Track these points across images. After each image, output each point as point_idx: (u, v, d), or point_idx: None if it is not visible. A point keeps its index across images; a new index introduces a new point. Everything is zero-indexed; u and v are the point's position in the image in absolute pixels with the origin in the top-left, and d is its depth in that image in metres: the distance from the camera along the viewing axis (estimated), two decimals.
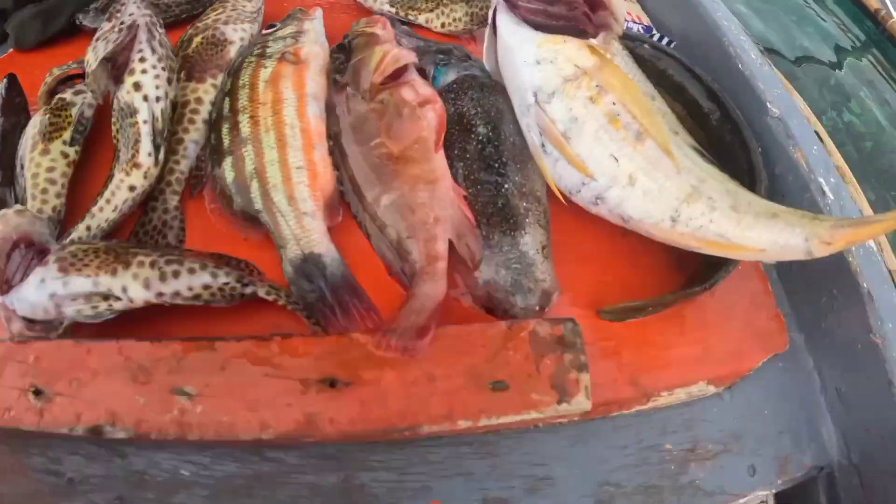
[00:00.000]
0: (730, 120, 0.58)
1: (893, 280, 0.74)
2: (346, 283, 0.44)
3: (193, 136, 0.54)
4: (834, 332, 0.52)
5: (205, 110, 0.55)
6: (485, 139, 0.50)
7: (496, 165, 0.48)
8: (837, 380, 0.52)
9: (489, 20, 0.53)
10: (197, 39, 0.60)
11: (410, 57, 0.52)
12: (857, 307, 0.49)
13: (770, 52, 1.86)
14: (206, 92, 0.56)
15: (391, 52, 0.51)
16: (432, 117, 0.49)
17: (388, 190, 0.47)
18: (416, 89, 0.51)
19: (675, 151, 0.46)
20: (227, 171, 0.50)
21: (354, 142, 0.50)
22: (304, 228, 0.46)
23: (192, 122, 0.54)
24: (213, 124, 0.53)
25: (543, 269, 0.45)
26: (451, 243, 0.45)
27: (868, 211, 0.81)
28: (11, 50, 0.66)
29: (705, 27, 0.68)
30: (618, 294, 0.48)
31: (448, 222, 0.46)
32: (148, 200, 0.51)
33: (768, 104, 0.59)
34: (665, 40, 0.74)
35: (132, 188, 0.49)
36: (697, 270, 0.50)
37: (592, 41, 0.50)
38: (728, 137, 0.57)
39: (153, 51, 0.52)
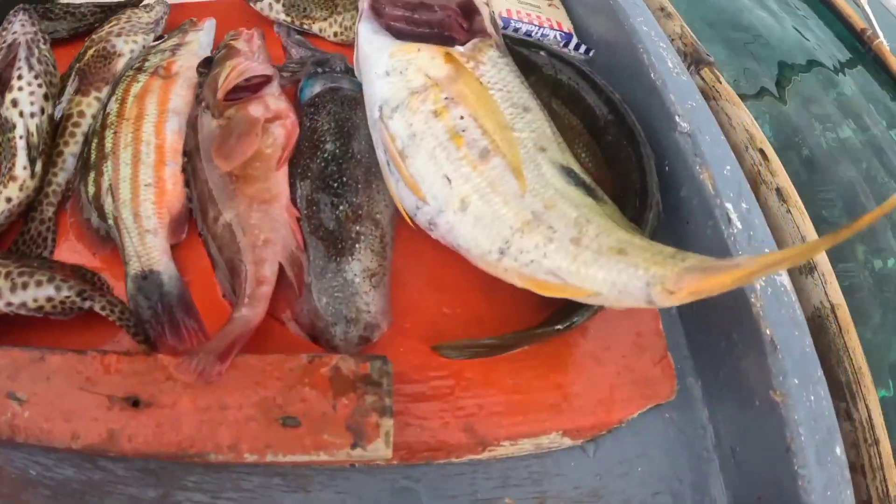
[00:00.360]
0: (628, 134, 0.52)
1: (835, 315, 0.67)
2: (180, 302, 0.44)
3: (73, 149, 0.54)
4: (732, 382, 0.46)
5: (86, 124, 0.55)
6: (329, 157, 0.48)
7: (335, 185, 0.46)
8: (733, 437, 0.45)
9: (356, 27, 0.50)
10: (90, 52, 0.60)
11: (258, 70, 0.50)
12: (757, 357, 0.42)
13: (752, 70, 1.83)
14: (88, 105, 0.56)
15: (238, 66, 0.47)
16: (279, 134, 0.47)
17: (225, 209, 0.46)
18: (267, 104, 0.48)
19: (529, 171, 0.41)
20: (89, 185, 0.50)
21: (203, 159, 0.49)
22: (146, 246, 0.46)
23: (72, 135, 0.54)
24: (87, 138, 0.54)
25: (369, 299, 0.43)
26: (282, 266, 0.44)
27: (811, 234, 0.75)
28: None
29: (623, 34, 0.64)
30: (469, 328, 0.45)
31: (279, 245, 0.44)
32: (27, 211, 0.52)
33: (677, 118, 0.53)
34: (582, 48, 0.70)
35: (9, 200, 0.50)
36: (565, 306, 0.44)
37: (456, 49, 0.45)
38: (623, 154, 0.51)
39: (30, 68, 0.52)
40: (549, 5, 0.76)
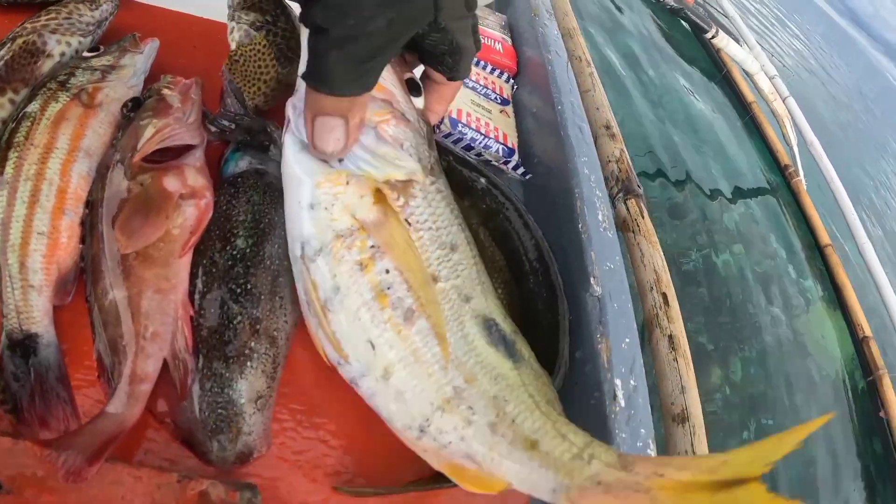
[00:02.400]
0: (548, 288, 0.53)
1: None
2: (55, 374, 0.41)
3: None
4: None
5: None
6: (238, 255, 0.45)
7: (238, 290, 0.44)
8: None
9: (284, 133, 0.44)
10: (18, 41, 0.54)
11: (184, 139, 0.45)
12: None
13: (682, 182, 1.94)
14: (1, 107, 0.51)
15: (164, 129, 0.44)
16: (191, 215, 0.44)
17: (116, 286, 0.43)
18: (185, 178, 0.44)
19: (453, 333, 0.40)
20: None
21: (105, 219, 0.46)
22: (28, 303, 0.42)
23: None
24: None
25: (252, 422, 0.41)
26: (166, 362, 0.42)
27: (692, 386, 0.80)
28: None
29: (564, 169, 0.65)
30: (347, 460, 0.44)
31: (166, 341, 0.42)
32: None
33: (592, 280, 0.55)
34: (521, 170, 0.71)
35: None
36: None
37: (391, 178, 0.42)
38: (541, 305, 0.52)
39: None
40: (501, 112, 0.77)
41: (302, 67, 0.41)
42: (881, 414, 1.69)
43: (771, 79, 1.79)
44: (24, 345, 0.41)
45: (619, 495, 0.34)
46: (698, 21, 1.71)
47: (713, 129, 2.28)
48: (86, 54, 0.56)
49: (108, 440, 0.37)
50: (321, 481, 0.43)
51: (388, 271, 0.40)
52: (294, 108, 0.42)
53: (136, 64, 0.55)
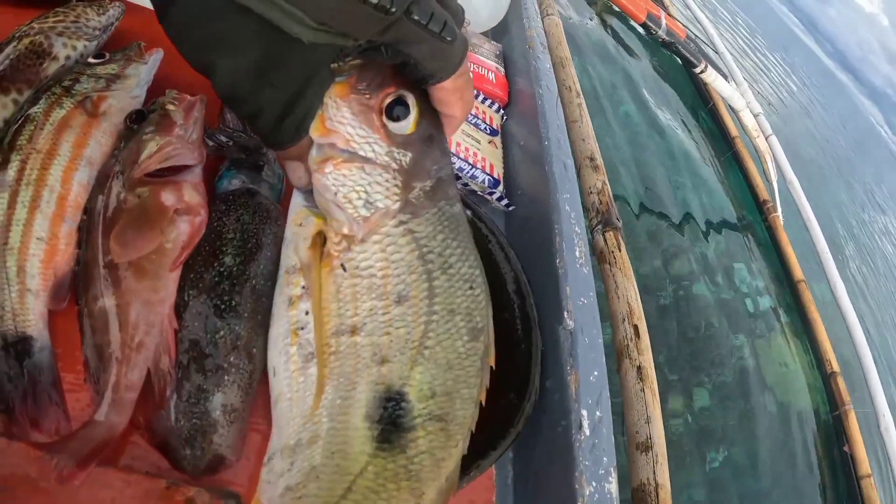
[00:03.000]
0: (524, 318, 0.56)
1: (657, 494, 0.74)
2: (48, 376, 0.42)
3: None
4: None
5: None
6: (226, 273, 0.47)
7: (222, 307, 0.46)
8: None
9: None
10: (24, 41, 0.55)
11: (187, 159, 0.46)
12: None
13: (660, 212, 1.98)
14: (4, 106, 0.51)
15: (167, 148, 0.45)
16: (184, 231, 0.45)
17: (107, 294, 0.45)
18: (182, 194, 0.46)
19: (336, 392, 0.38)
20: None
21: (100, 227, 0.47)
22: (24, 306, 0.44)
23: None
24: None
25: (224, 433, 0.43)
26: (148, 372, 0.43)
27: (657, 416, 0.83)
28: None
29: (545, 203, 0.67)
30: None
31: (151, 351, 0.43)
32: None
33: (566, 314, 0.58)
34: (504, 202, 0.73)
35: None
36: None
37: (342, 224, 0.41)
38: (514, 337, 0.55)
39: None
40: (490, 143, 0.79)
41: None
42: (845, 448, 1.73)
43: (756, 116, 1.84)
44: (19, 347, 0.42)
45: None
46: (688, 56, 1.75)
47: (694, 161, 2.33)
48: (91, 60, 0.57)
49: (99, 446, 0.38)
50: None
51: (307, 313, 0.41)
52: None
53: (141, 74, 0.57)
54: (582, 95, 1.27)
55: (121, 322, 0.43)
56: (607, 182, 1.07)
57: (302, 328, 0.41)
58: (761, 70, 3.83)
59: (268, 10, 0.32)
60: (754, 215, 2.20)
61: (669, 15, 1.75)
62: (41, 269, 0.45)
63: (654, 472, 0.77)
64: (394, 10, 0.33)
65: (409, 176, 0.41)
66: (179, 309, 0.45)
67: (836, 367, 1.83)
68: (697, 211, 2.17)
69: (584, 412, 0.52)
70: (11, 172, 0.47)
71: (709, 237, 2.06)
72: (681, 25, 1.77)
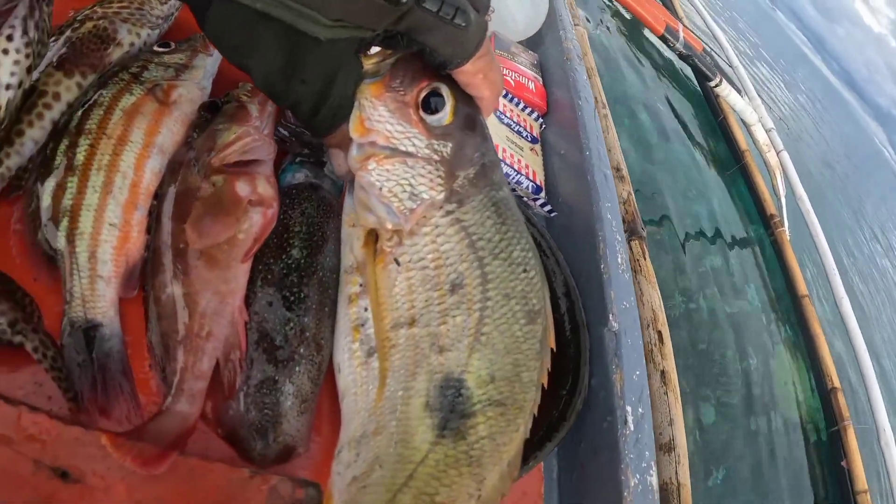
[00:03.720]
0: (572, 319, 0.57)
1: (679, 493, 0.76)
2: (118, 364, 0.42)
3: (35, 134, 0.48)
4: None
5: (59, 109, 0.50)
6: (294, 265, 0.47)
7: (291, 298, 0.46)
8: None
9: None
10: (88, 25, 0.55)
11: (262, 154, 0.47)
12: None
13: (668, 224, 2.00)
14: (68, 89, 0.51)
15: (245, 139, 0.46)
16: (257, 222, 0.46)
17: (177, 281, 0.45)
18: (255, 186, 0.47)
19: (397, 384, 0.39)
20: (46, 194, 0.45)
21: (172, 214, 0.48)
22: (95, 292, 0.43)
23: (40, 116, 0.48)
24: (56, 132, 0.48)
25: (295, 423, 0.44)
26: (217, 363, 0.43)
27: (679, 418, 0.84)
28: None
29: (588, 212, 0.69)
30: None
31: (221, 342, 0.43)
32: None
33: (610, 316, 0.59)
34: (547, 208, 0.74)
35: None
36: None
37: (384, 224, 0.42)
38: (563, 338, 0.56)
39: (25, 31, 0.45)
40: (531, 150, 0.80)
41: None
42: (843, 463, 1.75)
43: (768, 131, 1.86)
44: (89, 334, 0.42)
45: None
46: (704, 69, 1.77)
47: (703, 173, 2.35)
48: (157, 49, 0.57)
49: (178, 438, 0.38)
50: None
51: (366, 309, 0.43)
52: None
53: (207, 66, 0.57)
54: (608, 107, 1.28)
55: (190, 310, 0.43)
56: (632, 192, 1.09)
57: (362, 324, 0.42)
58: (767, 87, 3.86)
59: (285, 14, 0.34)
60: (760, 229, 2.22)
61: (686, 28, 1.77)
62: (113, 255, 0.44)
63: (677, 473, 0.79)
64: (403, 0, 0.34)
65: (451, 165, 0.42)
66: (249, 300, 0.46)
67: (836, 382, 1.84)
68: (705, 223, 2.19)
69: (629, 408, 0.54)
70: (80, 157, 0.46)
71: (716, 250, 2.08)
72: (697, 38, 1.79)
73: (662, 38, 1.67)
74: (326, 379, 0.47)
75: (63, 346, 0.41)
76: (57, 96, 0.49)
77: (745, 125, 1.95)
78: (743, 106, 1.85)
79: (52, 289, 0.44)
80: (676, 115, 2.55)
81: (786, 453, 1.75)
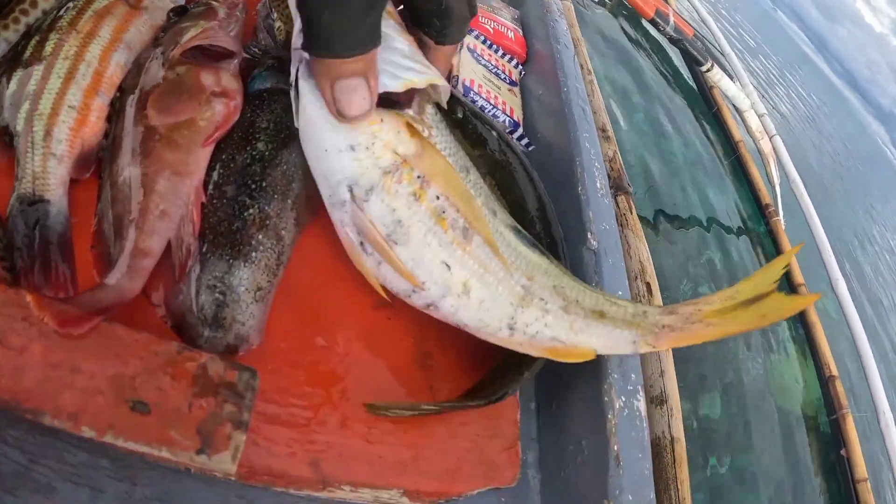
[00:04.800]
0: (549, 235, 0.56)
1: (672, 448, 0.74)
2: (60, 241, 0.42)
3: (8, 35, 0.49)
4: (571, 484, 0.49)
5: (34, 16, 0.51)
6: (257, 156, 0.47)
7: (252, 186, 0.46)
8: None
9: (291, 79, 0.43)
10: None
11: (225, 43, 0.47)
12: (600, 467, 0.46)
13: (663, 215, 1.99)
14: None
15: (209, 30, 0.46)
16: (220, 111, 0.46)
17: (134, 163, 0.44)
18: (219, 78, 0.46)
19: (501, 245, 0.44)
20: (12, 82, 0.46)
21: (134, 103, 0.48)
22: (46, 169, 0.43)
23: (15, 20, 0.50)
24: (28, 31, 0.49)
25: (249, 311, 0.42)
26: (169, 245, 0.42)
27: (670, 369, 0.82)
28: None
29: (566, 142, 0.68)
30: (338, 363, 0.45)
31: (174, 221, 0.43)
32: None
33: (589, 234, 0.58)
34: (525, 141, 0.74)
35: None
36: (489, 375, 0.48)
37: (408, 113, 0.43)
38: (546, 245, 0.55)
39: None
40: (509, 90, 0.80)
41: (297, 38, 0.41)
42: (842, 452, 1.72)
43: (760, 116, 1.86)
44: (35, 209, 0.42)
45: (684, 330, 0.43)
46: (695, 53, 1.78)
47: (698, 165, 2.34)
48: None
49: (106, 308, 0.36)
50: (321, 383, 0.45)
51: (438, 197, 0.42)
52: (301, 68, 0.42)
53: None
54: (594, 73, 1.29)
55: (146, 190, 0.42)
56: (618, 151, 1.09)
57: (443, 212, 0.43)
58: (769, 87, 3.87)
59: None
60: (757, 220, 2.21)
61: (677, 13, 1.78)
62: (69, 135, 0.44)
63: (670, 426, 0.77)
64: None
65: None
66: (208, 187, 0.45)
67: (834, 370, 1.82)
68: (701, 215, 2.18)
69: None
70: (48, 48, 0.47)
71: (714, 241, 2.07)
72: (688, 24, 1.80)
73: (652, 22, 1.67)
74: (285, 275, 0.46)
75: (8, 218, 0.41)
76: (34, 3, 0.50)
77: (738, 111, 1.95)
78: (735, 91, 1.85)
79: (5, 171, 0.43)
80: (673, 107, 2.56)
81: (786, 442, 1.72)
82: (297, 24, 0.40)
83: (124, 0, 0.52)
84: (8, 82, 0.46)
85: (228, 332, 0.41)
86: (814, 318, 1.87)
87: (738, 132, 2.27)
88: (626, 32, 2.65)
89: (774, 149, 1.81)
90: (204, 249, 0.43)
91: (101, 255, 0.42)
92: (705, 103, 2.42)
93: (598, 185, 0.65)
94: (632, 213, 0.96)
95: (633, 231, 0.94)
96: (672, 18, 1.69)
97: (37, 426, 0.35)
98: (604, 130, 1.10)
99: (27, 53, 0.47)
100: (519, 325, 0.43)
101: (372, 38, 0.37)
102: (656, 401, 0.78)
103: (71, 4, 0.51)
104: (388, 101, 0.42)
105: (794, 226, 2.06)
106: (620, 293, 0.56)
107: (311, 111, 0.42)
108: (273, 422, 0.41)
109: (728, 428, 1.71)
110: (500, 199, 0.50)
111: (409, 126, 0.43)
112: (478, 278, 0.43)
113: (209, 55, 0.49)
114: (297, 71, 0.42)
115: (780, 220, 2.01)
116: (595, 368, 0.50)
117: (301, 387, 0.43)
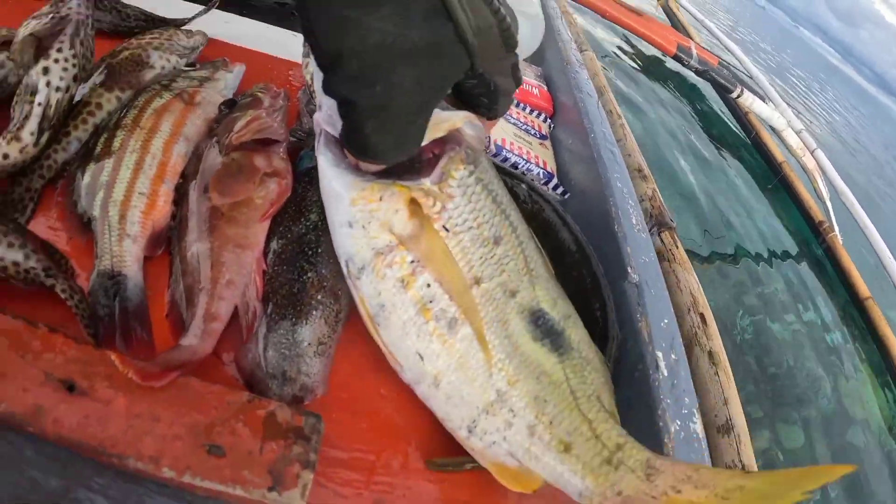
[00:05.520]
0: (592, 275, 0.58)
1: None
2: (137, 311, 0.46)
3: (80, 135, 0.56)
4: None
5: (100, 116, 0.57)
6: (312, 226, 0.51)
7: (309, 253, 0.49)
8: None
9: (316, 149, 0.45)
10: (125, 53, 0.64)
11: (275, 133, 0.54)
12: None
13: (718, 247, 1.96)
14: (108, 101, 0.59)
15: (260, 121, 0.51)
16: (273, 189, 0.51)
17: (201, 239, 0.49)
18: (270, 160, 0.52)
19: (496, 335, 0.41)
20: (87, 174, 0.52)
21: (197, 187, 0.53)
22: (122, 248, 0.48)
23: (84, 121, 0.56)
24: (97, 130, 0.56)
25: (312, 364, 0.45)
26: (236, 309, 0.46)
27: (734, 397, 0.80)
28: None
29: (599, 185, 0.71)
30: (401, 412, 0.47)
31: (240, 288, 0.47)
32: (18, 174, 0.52)
33: (629, 269, 0.59)
34: (560, 189, 0.76)
35: (6, 156, 0.50)
36: None
37: (422, 185, 0.42)
38: (585, 294, 0.56)
39: (72, 46, 0.54)
40: (541, 144, 0.83)
41: (325, 120, 0.41)
42: None
43: (798, 133, 1.83)
44: (114, 283, 0.46)
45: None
46: (723, 81, 1.78)
47: (743, 193, 2.31)
48: (185, 67, 0.66)
49: (181, 365, 0.40)
50: (383, 430, 0.47)
51: (429, 285, 0.41)
52: (324, 129, 0.42)
53: (228, 80, 0.65)
54: (623, 117, 1.32)
55: (212, 262, 0.47)
56: (657, 189, 1.10)
57: (430, 301, 0.41)
58: (803, 104, 3.81)
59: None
60: (811, 239, 2.14)
61: (699, 45, 1.80)
62: (141, 218, 0.50)
63: (739, 454, 0.74)
64: (512, 50, 0.36)
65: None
66: (269, 256, 0.49)
67: None
68: (755, 243, 2.13)
69: (659, 353, 0.53)
70: (116, 144, 0.53)
71: (769, 268, 2.01)
72: (711, 53, 1.82)
73: (676, 58, 1.70)
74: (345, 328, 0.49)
75: (90, 293, 0.46)
76: (99, 106, 0.57)
77: (776, 132, 1.93)
78: (769, 112, 1.84)
79: (85, 251, 0.49)
80: (709, 140, 2.55)
81: (877, 463, 1.62)
82: (324, 105, 0.40)
83: (180, 98, 0.59)
84: (83, 175, 0.52)
85: (294, 384, 0.44)
86: (885, 331, 1.78)
87: (779, 153, 2.24)
88: (646, 70, 2.69)
89: (818, 163, 1.77)
90: (269, 311, 0.46)
91: (176, 321, 0.46)
92: (743, 130, 2.41)
93: (634, 221, 0.66)
94: (677, 247, 0.96)
95: (681, 265, 0.93)
96: (695, 51, 1.71)
97: (120, 474, 0.39)
98: (640, 170, 1.11)
99: (98, 149, 0.53)
100: (478, 431, 0.41)
101: (417, 143, 0.38)
102: (722, 430, 0.75)
103: (132, 104, 0.57)
104: (409, 167, 0.42)
105: (851, 241, 1.99)
106: (666, 321, 0.57)
107: (322, 184, 0.44)
108: (338, 465, 0.43)
109: (812, 457, 1.62)
110: (541, 262, 0.46)
111: (412, 203, 0.42)
112: (451, 373, 0.41)
113: (260, 141, 0.54)
114: (318, 140, 0.44)
115: (837, 236, 1.95)
116: (647, 395, 0.52)
117: (364, 433, 0.45)
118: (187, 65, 0.67)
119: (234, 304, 0.46)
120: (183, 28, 0.72)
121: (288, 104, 0.61)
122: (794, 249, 2.19)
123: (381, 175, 0.41)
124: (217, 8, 0.78)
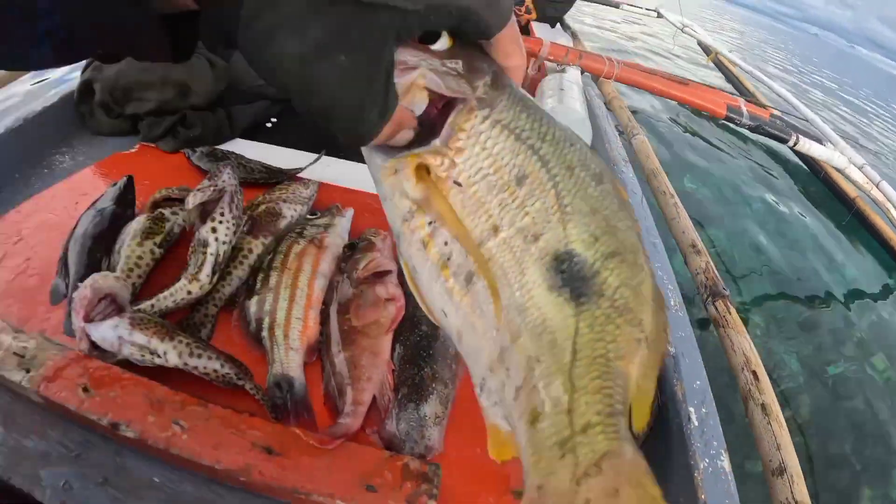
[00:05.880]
0: None
1: None
2: (303, 401, 0.66)
3: (239, 273, 0.77)
4: None
5: (252, 258, 0.79)
6: (423, 335, 0.71)
7: (424, 354, 0.69)
8: None
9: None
10: (262, 207, 0.87)
11: (387, 266, 0.73)
12: None
13: (790, 294, 2.00)
14: (256, 246, 0.80)
15: (376, 260, 0.72)
16: (391, 311, 0.70)
17: (345, 349, 0.69)
18: (388, 288, 0.72)
19: (511, 285, 0.38)
20: (253, 304, 0.73)
21: (337, 311, 0.71)
22: (289, 358, 0.68)
23: (241, 263, 0.78)
24: (255, 271, 0.77)
25: (432, 432, 0.63)
26: (375, 396, 0.65)
27: (787, 443, 0.90)
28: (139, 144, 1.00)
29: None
30: (506, 465, 0.57)
31: (376, 383, 0.66)
32: (196, 304, 0.73)
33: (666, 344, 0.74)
34: None
35: (189, 293, 0.71)
36: None
37: (430, 147, 0.41)
38: None
39: (230, 210, 0.76)
40: None
41: None
42: None
43: (860, 168, 1.87)
44: (284, 382, 0.66)
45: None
46: (778, 133, 1.86)
47: (818, 237, 2.30)
48: (308, 216, 0.89)
49: (341, 436, 0.60)
50: (488, 475, 0.62)
51: (446, 242, 0.40)
52: None
53: (342, 224, 0.87)
54: (676, 196, 1.46)
55: (355, 364, 0.66)
56: (710, 261, 1.23)
57: (448, 259, 0.39)
58: (864, 124, 3.68)
59: None
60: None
61: (749, 101, 1.90)
62: (299, 336, 0.70)
63: (792, 492, 0.84)
64: None
65: (468, 78, 0.41)
66: (394, 357, 0.69)
67: None
68: (839, 286, 2.11)
69: (692, 409, 0.67)
70: (272, 281, 0.74)
71: (860, 311, 1.99)
72: (761, 107, 1.91)
73: (728, 119, 1.80)
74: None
75: (268, 389, 0.65)
76: (250, 251, 0.79)
77: (839, 171, 1.98)
78: (829, 154, 1.89)
79: (258, 361, 0.69)
80: (779, 189, 2.57)
81: None
82: None
83: (312, 243, 0.80)
84: (250, 306, 0.72)
85: (420, 445, 0.62)
86: None
87: (851, 189, 2.26)
88: (709, 132, 2.74)
89: (885, 194, 1.81)
90: (399, 397, 0.65)
91: (331, 407, 0.65)
92: (812, 172, 2.43)
93: (673, 302, 0.81)
94: (730, 312, 1.09)
95: (734, 328, 1.06)
96: (745, 108, 1.81)
97: None
98: (693, 246, 1.25)
99: (258, 286, 0.74)
100: (485, 390, 0.39)
101: (384, 103, 0.37)
102: (776, 472, 0.86)
103: (278, 250, 0.78)
104: (428, 134, 0.43)
105: None
106: (699, 383, 0.70)
107: (370, 170, 0.44)
108: (453, 497, 0.59)
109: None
110: (584, 193, 0.40)
111: (419, 169, 0.43)
112: (467, 328, 0.39)
113: (377, 273, 0.75)
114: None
115: None
116: (680, 443, 0.65)
117: (469, 474, 0.62)
118: (309, 213, 0.90)
119: (373, 393, 0.65)
120: (299, 175, 0.97)
121: (391, 242, 0.82)
122: (880, 288, 2.16)
123: (403, 149, 0.41)
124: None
